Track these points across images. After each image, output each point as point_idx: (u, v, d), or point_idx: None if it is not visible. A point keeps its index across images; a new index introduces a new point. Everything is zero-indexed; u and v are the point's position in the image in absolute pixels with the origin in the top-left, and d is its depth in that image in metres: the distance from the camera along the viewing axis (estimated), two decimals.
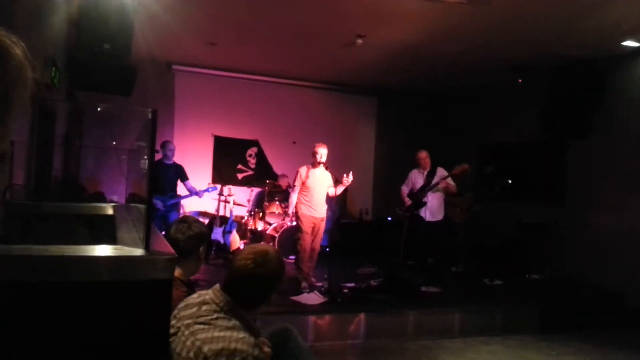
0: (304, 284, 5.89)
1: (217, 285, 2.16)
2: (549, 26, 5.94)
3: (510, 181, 7.80)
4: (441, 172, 6.89)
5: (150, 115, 1.86)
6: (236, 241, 7.71)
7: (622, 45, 6.46)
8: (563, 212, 7.59)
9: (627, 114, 6.82)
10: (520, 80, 7.96)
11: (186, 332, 2.02)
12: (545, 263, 7.54)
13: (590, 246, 7.11)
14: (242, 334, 2.02)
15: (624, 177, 6.81)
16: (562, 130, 7.35)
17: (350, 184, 6.07)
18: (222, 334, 1.99)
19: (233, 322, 2.05)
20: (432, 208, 6.87)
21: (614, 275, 6.67)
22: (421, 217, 6.81)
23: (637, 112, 6.71)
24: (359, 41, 6.72)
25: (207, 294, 2.15)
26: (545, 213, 7.80)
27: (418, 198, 6.84)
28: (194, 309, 2.10)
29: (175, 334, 2.03)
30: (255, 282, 2.12)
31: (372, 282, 6.20)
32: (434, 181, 6.80)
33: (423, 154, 7.05)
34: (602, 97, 7.00)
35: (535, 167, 8.14)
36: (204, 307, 2.08)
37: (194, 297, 2.18)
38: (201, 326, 2.02)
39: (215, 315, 2.05)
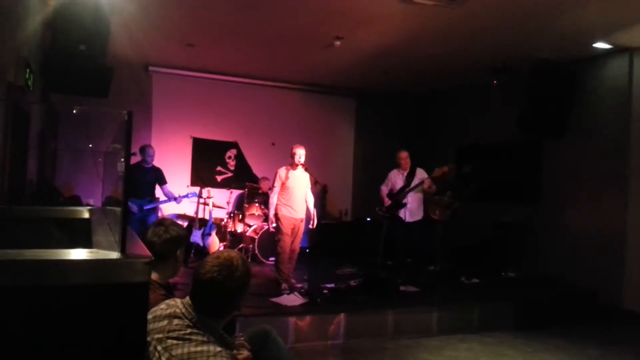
0: (283, 286, 5.89)
1: (187, 299, 2.11)
2: (523, 29, 6.05)
3: (483, 182, 7.92)
4: (421, 173, 6.95)
5: (126, 117, 1.85)
6: (215, 244, 7.68)
7: (594, 47, 6.62)
8: (539, 211, 7.73)
9: (599, 115, 6.98)
10: (495, 82, 8.08)
11: (159, 348, 1.98)
12: (521, 261, 7.67)
13: (565, 245, 7.26)
14: (218, 348, 2.00)
15: (598, 177, 6.97)
16: (537, 131, 7.49)
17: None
18: (198, 348, 1.97)
19: (207, 335, 2.03)
20: (412, 209, 6.93)
21: (588, 273, 6.81)
22: (401, 218, 6.87)
23: (608, 112, 6.88)
24: (337, 43, 6.76)
25: (177, 306, 2.10)
26: (522, 212, 7.93)
27: (398, 199, 6.89)
28: (164, 322, 2.04)
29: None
30: (225, 293, 2.08)
31: (352, 283, 6.24)
32: (414, 182, 6.85)
33: (404, 154, 7.10)
34: (574, 98, 7.16)
35: (512, 167, 8.27)
36: (176, 321, 2.04)
37: (162, 309, 2.11)
38: (175, 341, 1.98)
39: (188, 330, 2.01)
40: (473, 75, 8.27)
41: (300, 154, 6.08)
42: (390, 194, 7.06)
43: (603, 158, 6.90)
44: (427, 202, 7.29)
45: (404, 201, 6.85)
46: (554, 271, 7.29)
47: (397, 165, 7.16)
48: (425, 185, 6.79)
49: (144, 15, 5.77)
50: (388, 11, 5.68)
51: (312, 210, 6.26)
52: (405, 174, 7.04)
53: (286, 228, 6.05)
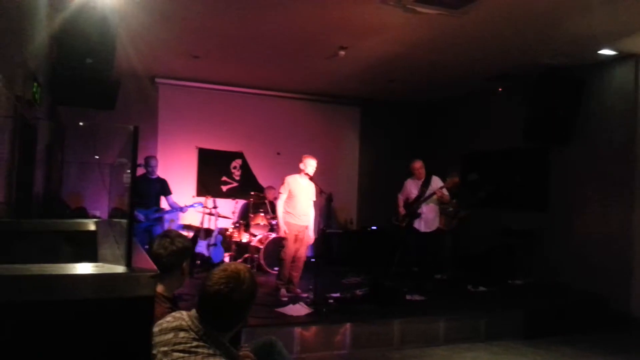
0: (282, 291, 5.93)
1: (193, 311, 2.12)
2: (527, 35, 6.05)
3: (493, 187, 7.88)
4: (436, 181, 6.90)
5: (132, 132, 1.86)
6: (221, 254, 7.69)
7: (599, 53, 6.61)
8: (546, 218, 7.69)
9: (605, 121, 6.96)
10: (500, 89, 8.06)
11: None
12: (529, 269, 7.63)
13: (573, 252, 7.21)
14: None
15: (604, 183, 6.93)
16: (543, 138, 7.46)
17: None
18: None
19: (213, 349, 2.03)
20: (427, 219, 6.88)
21: (597, 280, 6.76)
22: (416, 229, 6.83)
23: (614, 118, 6.86)
24: (342, 52, 6.79)
25: (183, 318, 2.10)
26: (529, 219, 7.90)
27: (413, 209, 6.86)
28: (170, 335, 2.05)
29: None
30: (232, 306, 2.07)
31: (358, 292, 6.21)
32: (428, 192, 6.81)
33: (418, 164, 7.02)
34: (579, 104, 7.15)
35: (519, 174, 8.23)
36: (182, 334, 2.04)
37: (169, 321, 2.12)
38: (181, 354, 1.99)
39: (194, 343, 2.02)
40: (478, 82, 8.26)
41: (312, 165, 6.16)
42: (406, 204, 7.02)
43: (610, 164, 6.87)
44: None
45: (418, 211, 6.81)
46: (562, 278, 7.24)
47: (411, 175, 7.11)
48: (437, 196, 6.74)
49: (150, 28, 5.83)
50: (392, 21, 5.71)
51: (311, 225, 6.33)
52: (420, 183, 6.99)
53: (290, 234, 6.10)
